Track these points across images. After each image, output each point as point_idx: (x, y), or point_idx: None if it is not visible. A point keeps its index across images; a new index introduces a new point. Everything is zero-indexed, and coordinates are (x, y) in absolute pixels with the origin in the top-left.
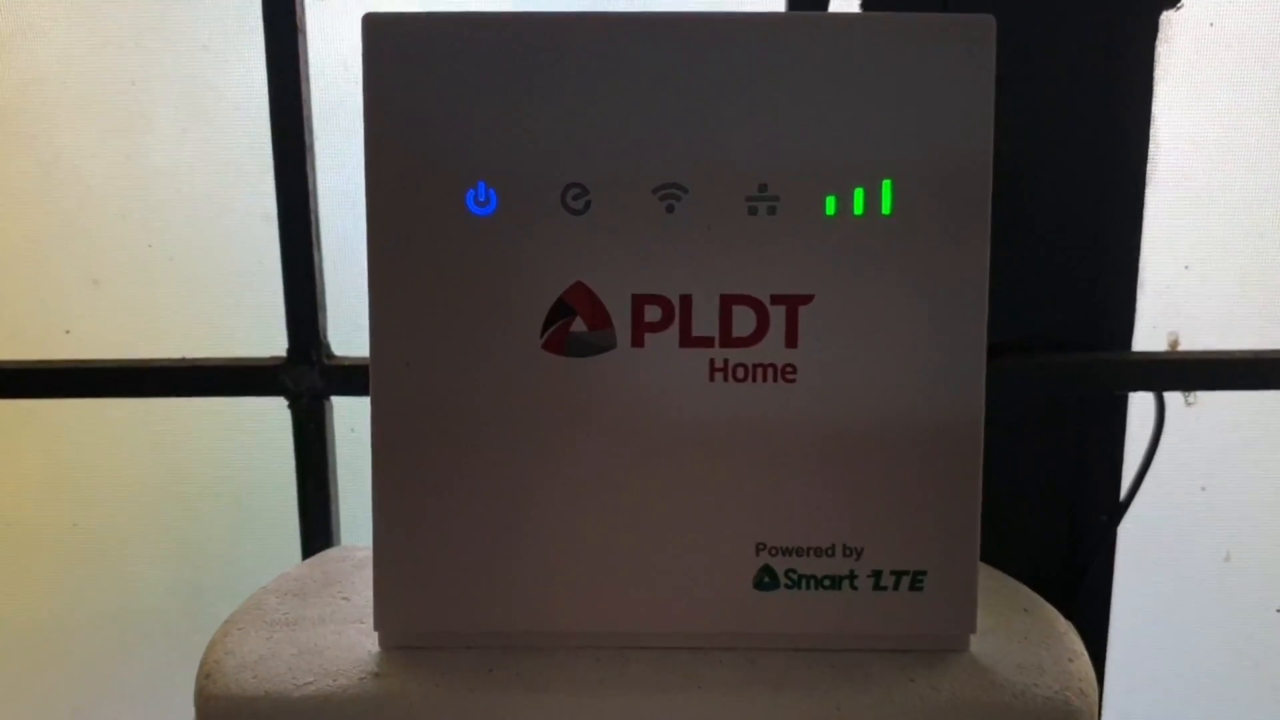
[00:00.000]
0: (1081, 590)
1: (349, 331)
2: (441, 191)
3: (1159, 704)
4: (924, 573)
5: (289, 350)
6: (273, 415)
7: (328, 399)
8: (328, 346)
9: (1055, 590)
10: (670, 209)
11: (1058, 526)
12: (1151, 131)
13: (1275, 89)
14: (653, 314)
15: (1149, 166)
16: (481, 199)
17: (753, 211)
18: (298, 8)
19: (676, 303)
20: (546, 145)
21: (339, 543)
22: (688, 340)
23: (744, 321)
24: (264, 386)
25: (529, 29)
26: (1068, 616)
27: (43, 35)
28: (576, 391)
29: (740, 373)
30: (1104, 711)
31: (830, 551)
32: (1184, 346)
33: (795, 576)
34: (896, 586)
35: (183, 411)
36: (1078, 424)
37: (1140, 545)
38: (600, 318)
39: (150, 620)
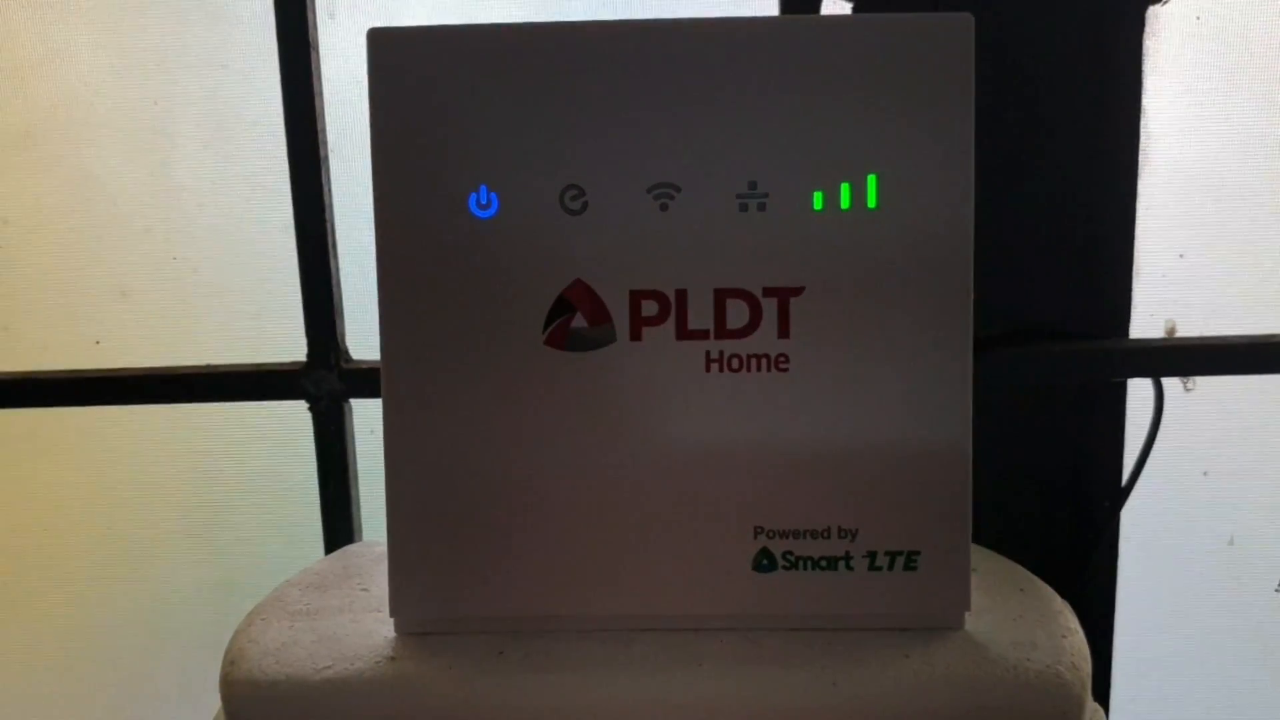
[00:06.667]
0: (1086, 575)
1: (371, 336)
2: (445, 196)
3: (1166, 687)
4: (918, 553)
5: (308, 355)
6: (295, 418)
7: (347, 401)
8: (346, 351)
9: (1060, 576)
10: (664, 208)
11: (1061, 513)
12: (1143, 123)
13: (1263, 79)
14: (649, 309)
15: (1141, 157)
16: (483, 202)
17: (743, 208)
18: (310, 27)
19: (672, 297)
20: (544, 149)
21: (360, 540)
22: (684, 333)
23: (738, 314)
24: (285, 391)
25: (525, 40)
26: (1074, 602)
27: (70, 59)
28: (578, 384)
29: (735, 363)
30: (1112, 694)
31: (826, 533)
32: (1181, 333)
33: (793, 558)
34: (891, 566)
35: (209, 416)
36: (1078, 412)
37: (1144, 530)
38: (599, 313)
39: (181, 618)
